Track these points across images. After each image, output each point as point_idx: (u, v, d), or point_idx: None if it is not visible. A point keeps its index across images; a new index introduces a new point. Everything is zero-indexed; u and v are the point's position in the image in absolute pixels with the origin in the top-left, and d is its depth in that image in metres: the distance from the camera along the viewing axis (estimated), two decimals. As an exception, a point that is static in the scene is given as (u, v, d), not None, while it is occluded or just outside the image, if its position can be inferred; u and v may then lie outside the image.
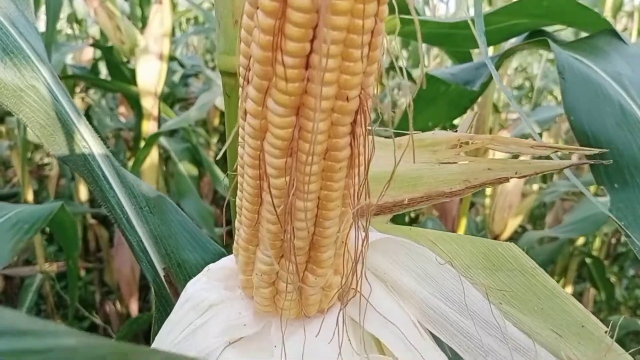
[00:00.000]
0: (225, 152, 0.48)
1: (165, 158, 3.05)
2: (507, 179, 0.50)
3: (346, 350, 0.47)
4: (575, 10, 0.98)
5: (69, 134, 0.65)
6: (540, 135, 3.65)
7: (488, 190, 2.50)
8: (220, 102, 2.94)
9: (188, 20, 4.71)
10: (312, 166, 0.38)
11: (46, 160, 4.02)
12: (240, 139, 0.42)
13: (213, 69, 3.97)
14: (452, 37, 1.13)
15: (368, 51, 0.35)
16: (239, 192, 0.46)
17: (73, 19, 3.68)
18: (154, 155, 2.41)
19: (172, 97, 3.32)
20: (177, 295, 0.61)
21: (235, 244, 0.50)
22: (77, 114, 0.67)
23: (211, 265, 0.55)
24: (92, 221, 3.21)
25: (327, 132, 0.38)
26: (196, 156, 2.68)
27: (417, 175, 0.53)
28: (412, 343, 0.49)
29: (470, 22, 0.80)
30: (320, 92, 0.33)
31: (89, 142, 0.66)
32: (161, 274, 0.65)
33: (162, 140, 2.61)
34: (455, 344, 0.52)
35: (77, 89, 3.38)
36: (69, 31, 4.12)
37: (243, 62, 0.38)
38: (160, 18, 2.32)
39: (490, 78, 1.08)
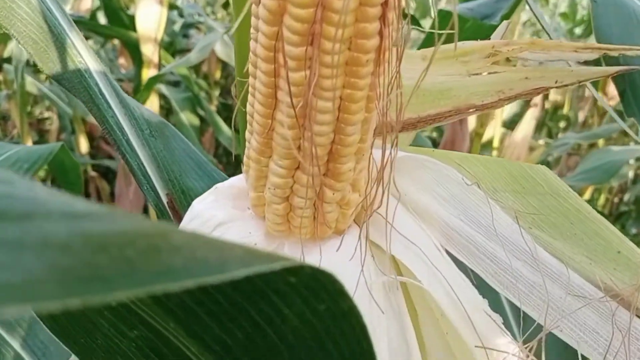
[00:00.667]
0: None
1: (166, 110, 2.99)
2: (546, 89, 0.45)
3: (368, 271, 0.44)
4: None
5: (63, 48, 0.60)
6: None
7: (495, 143, 2.45)
8: (220, 51, 2.85)
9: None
10: (338, 56, 0.34)
11: (46, 114, 3.96)
12: (252, 31, 0.38)
13: (214, 20, 3.86)
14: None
15: None
16: (250, 97, 0.42)
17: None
18: (154, 104, 2.35)
19: (173, 48, 3.24)
20: (180, 221, 0.58)
21: (245, 158, 0.46)
22: (71, 26, 0.62)
23: (219, 184, 0.51)
24: (92, 174, 3.18)
25: (354, 13, 0.33)
26: (197, 106, 2.62)
27: (445, 87, 0.48)
28: (435, 265, 0.46)
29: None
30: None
31: (84, 58, 0.61)
32: (164, 199, 0.61)
33: (164, 89, 2.55)
34: (481, 268, 0.49)
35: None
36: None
37: None
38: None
39: (511, 11, 1.02)
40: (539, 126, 3.66)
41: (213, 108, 3.23)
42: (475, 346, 0.45)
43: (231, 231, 0.47)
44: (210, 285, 0.26)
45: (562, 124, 4.13)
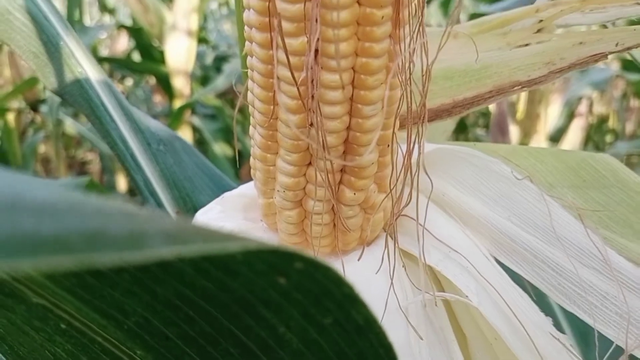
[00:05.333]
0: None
1: (200, 143, 2.99)
2: (604, 55, 0.37)
3: (402, 288, 0.36)
4: None
5: (63, 58, 0.56)
6: (591, 102, 3.43)
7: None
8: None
9: (220, 5, 4.64)
10: (344, 11, 0.27)
11: (89, 156, 4.04)
12: (245, -3, 0.32)
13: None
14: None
15: None
16: (249, 82, 0.35)
17: (104, 8, 3.66)
18: (187, 136, 2.34)
19: (205, 81, 3.26)
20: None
21: (251, 159, 0.39)
22: (68, 32, 0.57)
23: (226, 193, 0.45)
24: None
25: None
26: (231, 137, 2.60)
27: (483, 65, 0.41)
28: (484, 276, 0.38)
29: None
30: None
31: (85, 67, 0.56)
32: (174, 219, 0.55)
33: (196, 121, 2.54)
34: (540, 279, 0.40)
35: (115, 81, 3.39)
36: (104, 21, 4.11)
37: None
38: (187, -9, 2.25)
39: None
40: (585, 140, 3.49)
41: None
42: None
43: (239, 246, 0.40)
44: (174, 294, 0.19)
45: (608, 138, 3.94)
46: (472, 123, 2.84)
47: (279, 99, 0.32)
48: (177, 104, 2.28)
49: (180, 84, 2.28)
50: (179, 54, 2.22)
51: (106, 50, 3.75)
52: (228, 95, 3.24)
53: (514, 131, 1.93)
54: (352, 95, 0.31)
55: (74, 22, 1.98)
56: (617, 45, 0.37)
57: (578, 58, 0.38)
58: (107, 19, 3.86)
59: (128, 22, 3.76)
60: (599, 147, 3.74)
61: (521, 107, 2.13)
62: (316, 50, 0.28)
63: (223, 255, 0.16)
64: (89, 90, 0.56)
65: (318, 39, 0.28)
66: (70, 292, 0.19)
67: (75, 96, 0.56)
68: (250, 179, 0.43)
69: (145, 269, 0.18)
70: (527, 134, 1.88)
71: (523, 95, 2.24)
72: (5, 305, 0.22)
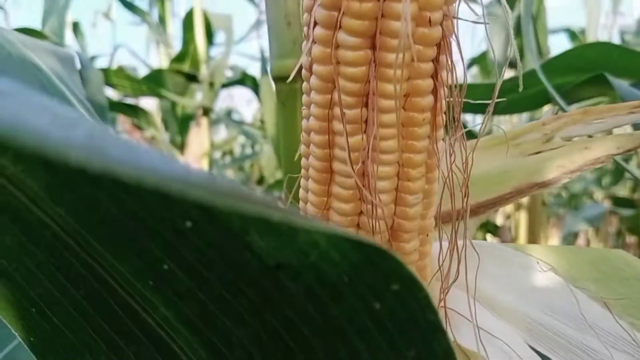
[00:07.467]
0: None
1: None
2: (608, 157, 0.43)
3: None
4: (623, 57, 0.96)
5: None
6: (588, 239, 3.50)
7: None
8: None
9: (224, 154, 4.90)
10: (397, 112, 0.33)
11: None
12: (303, 109, 0.38)
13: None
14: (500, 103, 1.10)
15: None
16: (302, 182, 0.40)
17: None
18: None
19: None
20: None
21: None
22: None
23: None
24: None
25: (407, 70, 0.33)
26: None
27: (502, 171, 0.47)
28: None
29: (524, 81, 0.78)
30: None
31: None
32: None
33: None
34: (577, 365, 0.42)
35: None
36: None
37: (307, 3, 0.34)
38: (199, 140, 2.41)
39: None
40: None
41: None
42: None
43: None
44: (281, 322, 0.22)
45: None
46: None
47: (334, 191, 0.37)
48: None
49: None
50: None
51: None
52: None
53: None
54: (397, 186, 0.36)
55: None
56: (618, 148, 0.43)
57: (586, 161, 0.44)
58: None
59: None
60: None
61: (522, 242, 2.19)
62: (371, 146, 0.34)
63: (333, 274, 0.20)
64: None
65: (372, 136, 0.34)
66: (185, 324, 0.22)
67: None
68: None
69: (264, 292, 0.21)
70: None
71: (522, 230, 2.31)
72: None
